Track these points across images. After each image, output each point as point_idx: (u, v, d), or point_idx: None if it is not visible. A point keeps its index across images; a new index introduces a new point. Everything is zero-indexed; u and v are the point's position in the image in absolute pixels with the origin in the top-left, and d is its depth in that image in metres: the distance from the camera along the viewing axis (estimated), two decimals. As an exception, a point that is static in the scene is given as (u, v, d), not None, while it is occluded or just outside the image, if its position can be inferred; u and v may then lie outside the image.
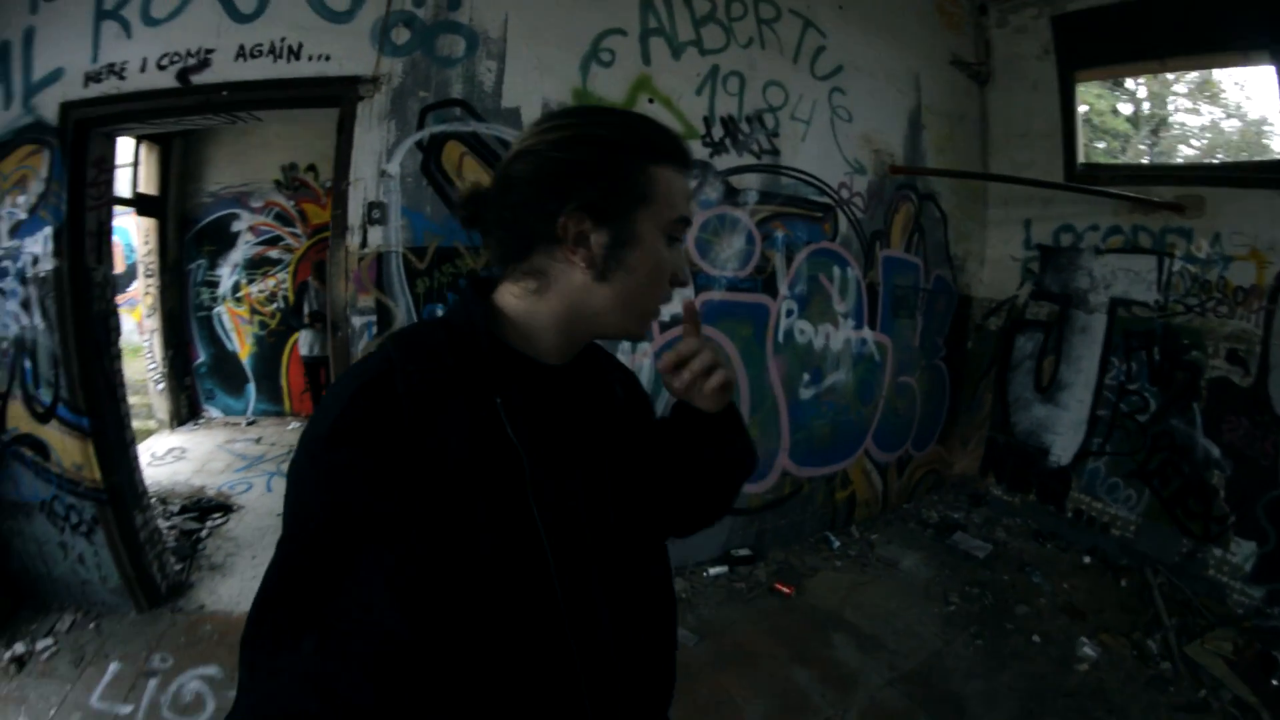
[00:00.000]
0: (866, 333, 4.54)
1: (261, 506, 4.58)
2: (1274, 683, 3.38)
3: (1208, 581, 4.12)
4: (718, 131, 3.67)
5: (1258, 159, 5.74)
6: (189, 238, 6.47)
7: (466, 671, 0.78)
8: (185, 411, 6.53)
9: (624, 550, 0.96)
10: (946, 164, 4.90)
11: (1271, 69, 3.77)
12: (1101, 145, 7.49)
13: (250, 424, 6.59)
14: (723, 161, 3.68)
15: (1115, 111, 8.22)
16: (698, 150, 3.57)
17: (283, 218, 6.63)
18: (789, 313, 4.14)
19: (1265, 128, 6.55)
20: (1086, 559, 4.50)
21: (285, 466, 5.16)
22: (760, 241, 3.86)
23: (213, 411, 6.79)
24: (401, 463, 0.74)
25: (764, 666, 3.24)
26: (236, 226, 6.56)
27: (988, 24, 5.20)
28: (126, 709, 2.72)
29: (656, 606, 1.06)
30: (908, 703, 3.10)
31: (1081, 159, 4.84)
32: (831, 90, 4.13)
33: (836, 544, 4.52)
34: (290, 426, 6.48)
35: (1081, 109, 4.86)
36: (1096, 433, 4.73)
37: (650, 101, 3.40)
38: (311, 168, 6.48)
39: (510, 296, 0.89)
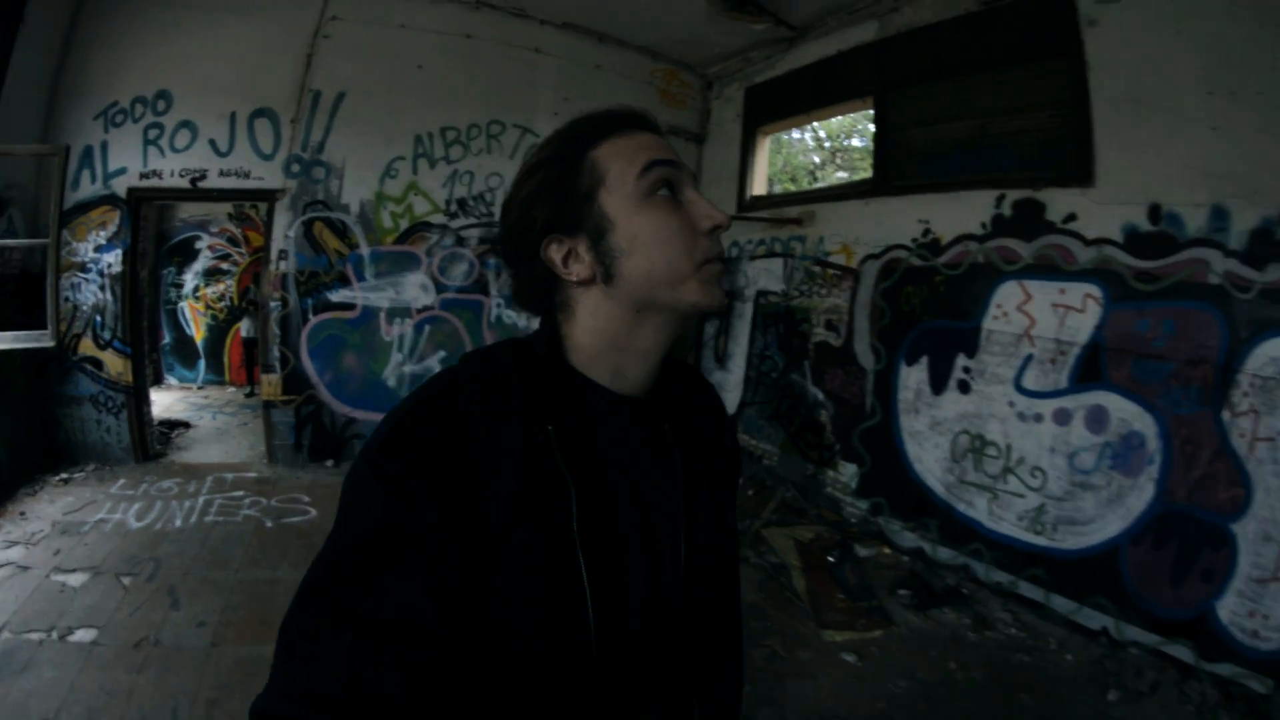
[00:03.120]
0: (563, 320, 7.49)
1: (208, 426, 8.04)
2: (829, 559, 4.89)
3: (828, 497, 5.78)
4: (454, 208, 6.86)
5: (853, 180, 8.41)
6: (164, 250, 10.05)
7: (497, 693, 0.84)
8: (151, 378, 9.95)
9: (692, 604, 0.99)
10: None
11: (871, 110, 5.88)
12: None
13: (199, 389, 10.09)
14: (456, 223, 6.90)
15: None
16: (440, 219, 6.84)
17: (232, 240, 10.21)
18: (498, 305, 7.09)
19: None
20: (740, 480, 6.50)
21: (226, 409, 8.77)
22: (478, 265, 6.97)
23: (171, 380, 10.30)
24: (451, 480, 0.81)
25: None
26: (199, 245, 10.19)
27: (711, 97, 7.87)
28: (130, 492, 5.59)
29: (719, 684, 1.11)
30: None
31: (759, 191, 7.25)
32: (540, 170, 7.27)
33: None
34: (228, 390, 10.03)
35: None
36: (748, 388, 6.91)
37: (415, 194, 6.72)
38: (255, 205, 9.86)
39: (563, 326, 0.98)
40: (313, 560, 0.81)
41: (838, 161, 14.58)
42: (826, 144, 14.89)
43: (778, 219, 6.54)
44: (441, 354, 6.97)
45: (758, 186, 7.34)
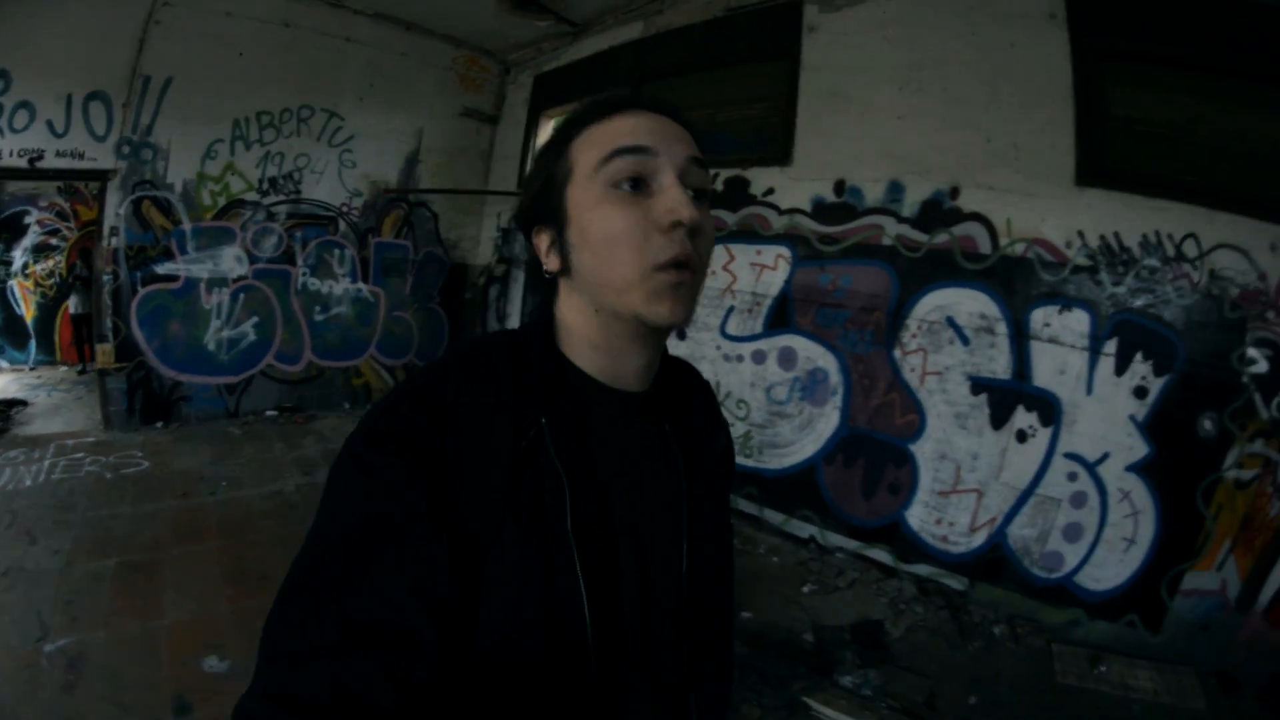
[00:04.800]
0: (361, 285, 8.90)
1: (45, 402, 8.80)
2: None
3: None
4: (266, 186, 7.94)
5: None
6: (-10, 227, 10.49)
7: (490, 695, 0.85)
8: (-19, 359, 10.42)
9: (691, 608, 1.03)
10: (441, 184, 9.27)
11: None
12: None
13: (31, 369, 10.64)
14: (267, 200, 7.99)
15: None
16: (254, 197, 7.88)
17: (61, 214, 10.84)
18: (305, 273, 8.35)
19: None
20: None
21: (60, 386, 9.55)
22: (287, 238, 8.16)
23: (1, 362, 10.74)
24: (436, 474, 0.83)
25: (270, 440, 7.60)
26: (27, 220, 10.72)
27: (508, 82, 9.36)
28: (-20, 464, 6.71)
29: (713, 678, 1.12)
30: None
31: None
32: (342, 152, 8.45)
33: (348, 407, 8.95)
34: (60, 369, 10.75)
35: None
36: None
37: (232, 174, 7.71)
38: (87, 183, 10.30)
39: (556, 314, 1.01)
40: (295, 557, 0.83)
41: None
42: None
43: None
44: (254, 319, 8.16)
45: (537, 165, 9.00)
